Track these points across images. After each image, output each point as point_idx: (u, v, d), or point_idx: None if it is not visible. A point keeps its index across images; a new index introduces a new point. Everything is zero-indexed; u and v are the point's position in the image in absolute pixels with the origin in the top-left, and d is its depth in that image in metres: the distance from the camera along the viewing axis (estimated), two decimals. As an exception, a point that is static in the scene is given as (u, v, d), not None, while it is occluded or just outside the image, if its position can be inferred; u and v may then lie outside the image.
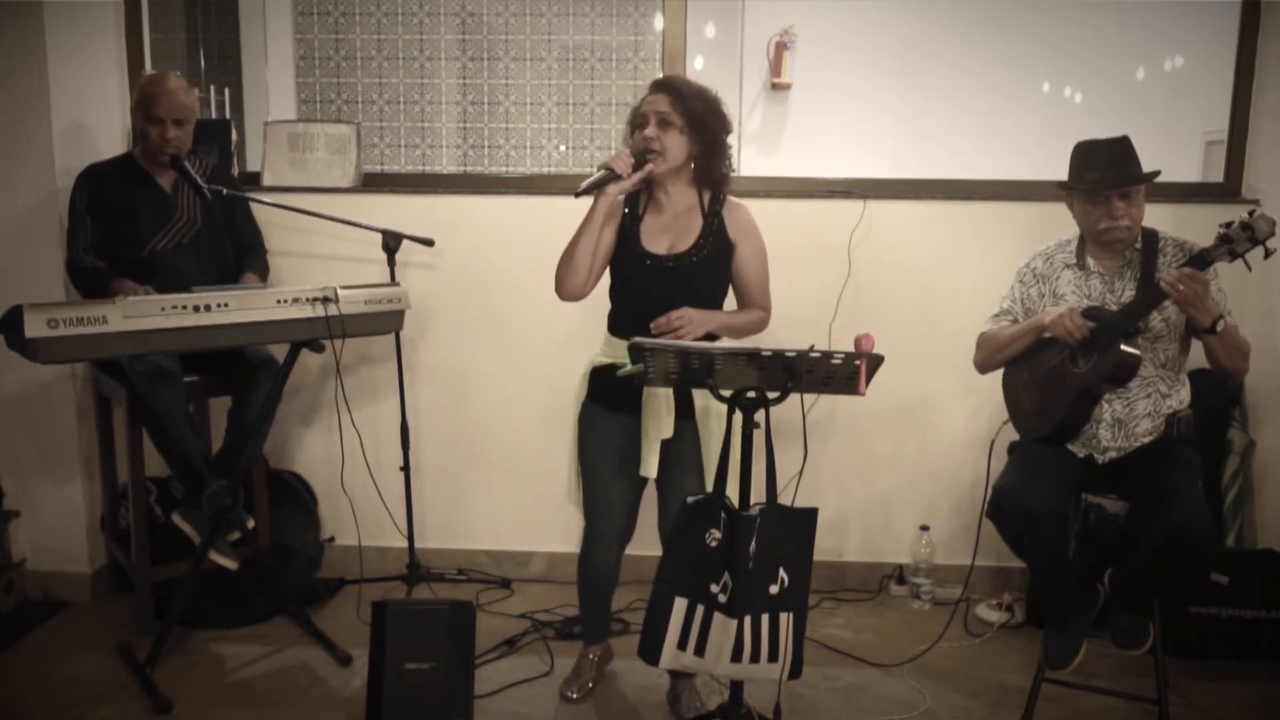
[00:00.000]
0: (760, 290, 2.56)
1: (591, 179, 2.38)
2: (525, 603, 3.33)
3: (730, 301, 2.61)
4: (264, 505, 3.27)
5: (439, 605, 2.52)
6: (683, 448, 2.49)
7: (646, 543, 2.69)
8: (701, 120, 2.43)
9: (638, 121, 2.46)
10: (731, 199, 2.55)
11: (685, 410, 2.48)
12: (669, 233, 2.49)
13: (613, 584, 2.72)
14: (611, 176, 2.38)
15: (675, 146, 2.42)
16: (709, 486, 2.39)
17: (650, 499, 2.63)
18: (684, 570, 2.21)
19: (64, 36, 3.13)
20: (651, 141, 2.40)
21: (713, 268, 2.49)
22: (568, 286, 2.48)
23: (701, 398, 2.45)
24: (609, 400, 2.52)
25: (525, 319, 3.42)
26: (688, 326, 2.38)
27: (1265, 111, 3.27)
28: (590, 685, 2.78)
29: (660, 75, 2.92)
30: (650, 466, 2.47)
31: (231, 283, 3.02)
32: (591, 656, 2.82)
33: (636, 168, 2.40)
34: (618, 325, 2.52)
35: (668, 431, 2.46)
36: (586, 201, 2.45)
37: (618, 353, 2.42)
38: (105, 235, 2.95)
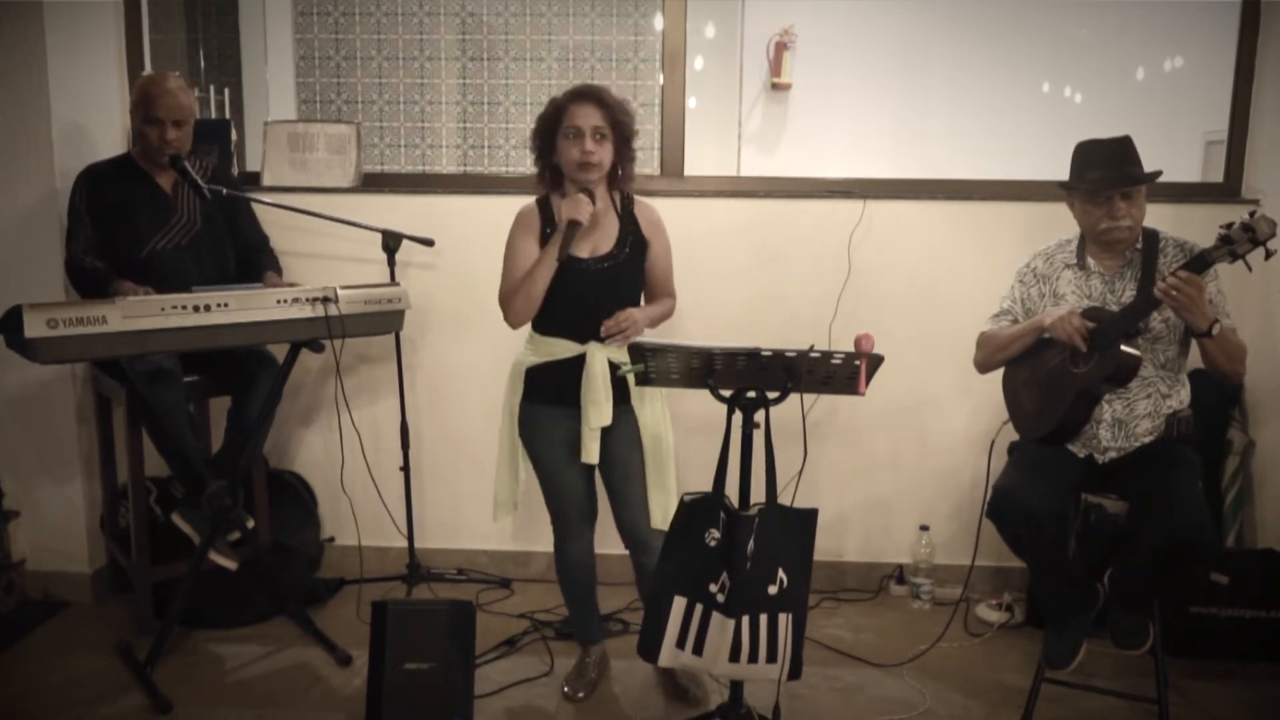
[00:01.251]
0: (670, 280, 2.70)
1: (566, 238, 2.46)
2: (525, 603, 3.34)
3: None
4: (264, 505, 3.27)
5: (439, 605, 2.52)
6: (622, 429, 2.57)
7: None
8: (625, 129, 2.54)
9: (564, 131, 2.50)
10: (639, 198, 2.68)
11: (621, 396, 2.56)
12: (589, 237, 2.56)
13: (593, 574, 2.76)
14: (578, 227, 2.47)
15: (607, 158, 2.53)
16: (648, 464, 2.58)
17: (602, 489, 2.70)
18: (683, 569, 2.22)
19: (64, 36, 3.13)
20: (590, 155, 2.48)
21: (634, 266, 2.61)
22: (522, 318, 2.56)
23: (633, 383, 2.51)
24: (547, 397, 2.58)
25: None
26: (633, 326, 2.49)
27: (1265, 111, 3.28)
28: (594, 683, 2.78)
29: (660, 78, 2.99)
30: (592, 453, 2.53)
31: (231, 283, 3.02)
32: (590, 659, 2.82)
33: (593, 204, 2.49)
34: (544, 325, 2.58)
35: (607, 419, 2.52)
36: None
37: (547, 351, 2.55)
38: (105, 236, 2.94)
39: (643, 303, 2.66)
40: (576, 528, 2.69)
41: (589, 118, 2.48)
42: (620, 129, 2.52)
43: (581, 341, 2.52)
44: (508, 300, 2.55)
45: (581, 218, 2.45)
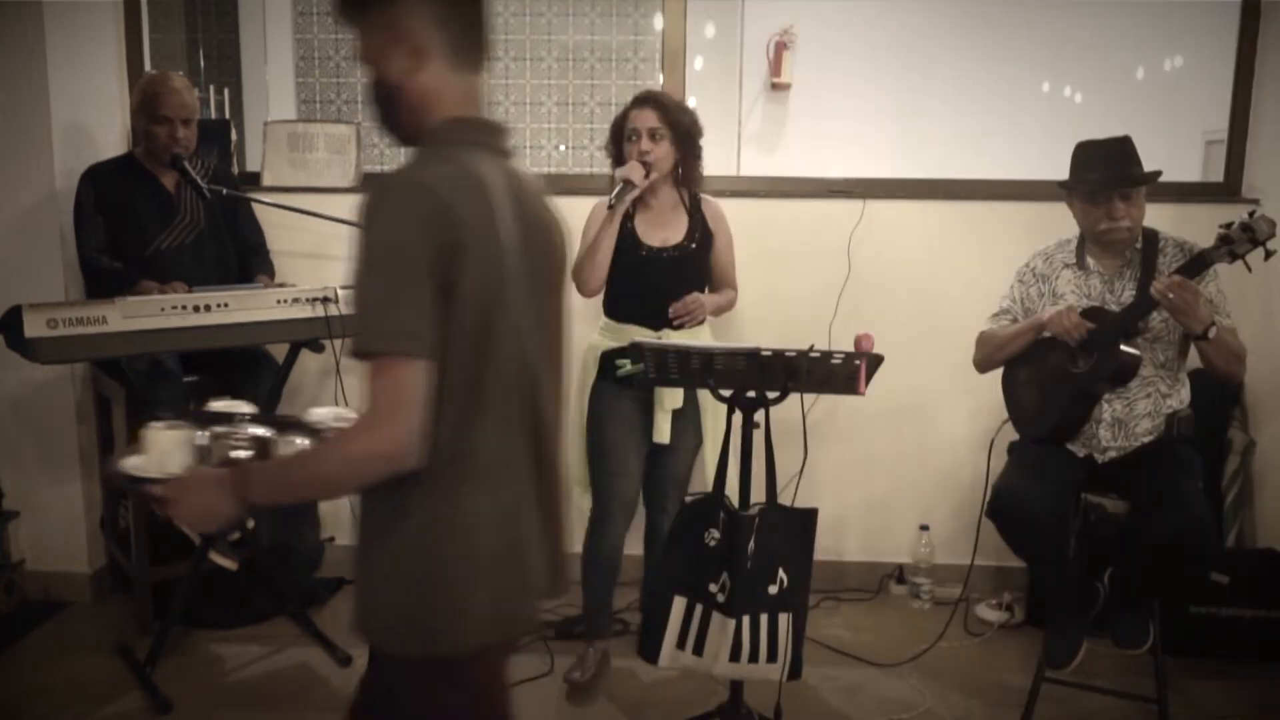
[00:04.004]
0: (732, 272, 2.92)
1: (619, 192, 2.64)
2: (525, 603, 3.33)
3: None
4: (264, 505, 3.26)
5: (439, 605, 2.52)
6: (687, 415, 2.75)
7: (636, 543, 2.77)
8: (686, 131, 2.73)
9: (627, 134, 2.73)
10: (705, 195, 2.88)
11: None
12: (660, 228, 2.78)
13: (617, 570, 2.79)
14: (631, 187, 2.64)
15: (665, 156, 2.72)
16: (706, 446, 2.77)
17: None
18: (683, 569, 2.22)
19: (64, 36, 3.13)
20: (646, 155, 2.68)
21: (702, 255, 2.81)
22: (592, 285, 2.72)
23: None
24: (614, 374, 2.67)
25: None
26: (700, 309, 2.71)
27: (1265, 111, 3.27)
28: (594, 671, 2.78)
29: (660, 78, 3.12)
30: (664, 432, 2.71)
31: (233, 283, 3.02)
32: (591, 651, 2.82)
33: (645, 176, 2.67)
34: (619, 311, 2.77)
35: (678, 402, 2.70)
36: (586, 205, 2.75)
37: (622, 336, 2.68)
38: (109, 235, 2.95)
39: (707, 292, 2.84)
40: (616, 515, 2.75)
41: (646, 120, 2.69)
42: (678, 128, 2.71)
43: (655, 328, 2.69)
44: (577, 271, 2.69)
45: (633, 177, 2.62)
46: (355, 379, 3.47)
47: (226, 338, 2.69)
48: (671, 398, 2.70)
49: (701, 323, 2.78)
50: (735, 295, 2.92)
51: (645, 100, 2.74)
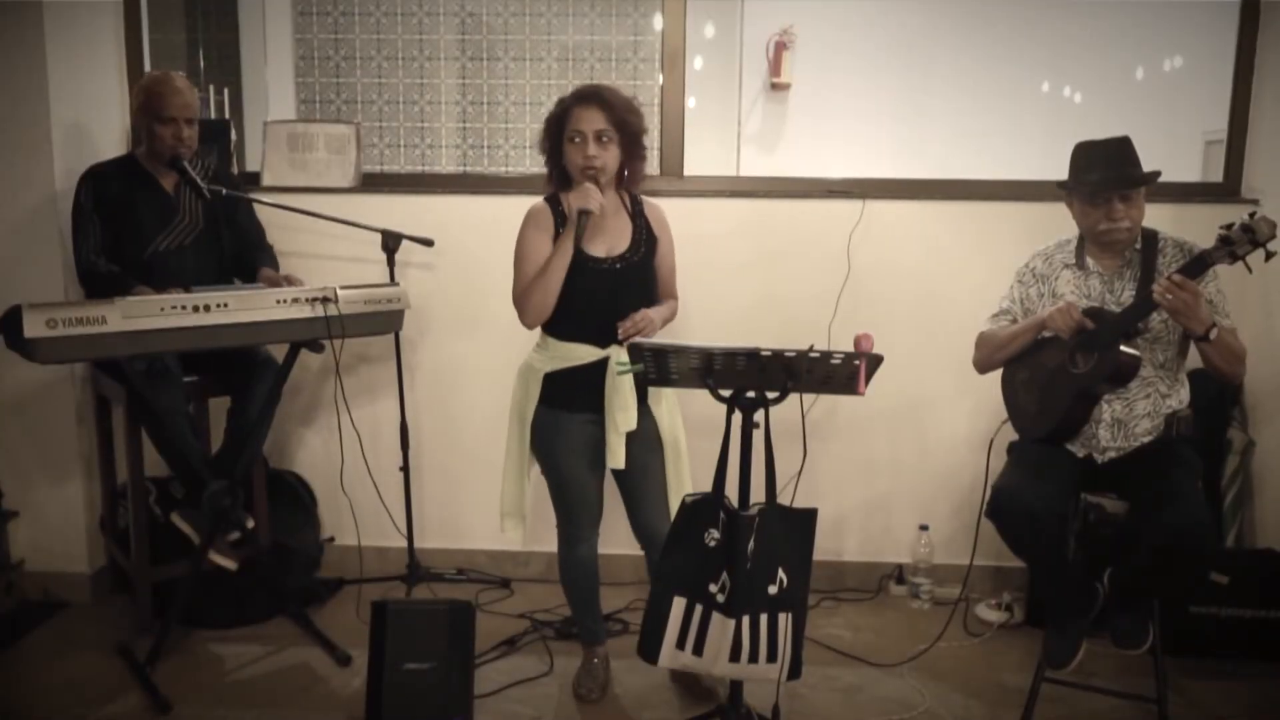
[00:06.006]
0: (672, 281, 2.72)
1: (579, 228, 2.45)
2: (525, 603, 3.33)
3: None
4: (263, 505, 3.27)
5: (438, 605, 2.52)
6: (641, 432, 2.54)
7: (633, 542, 2.74)
8: (632, 131, 2.51)
9: (569, 134, 2.49)
10: (647, 199, 2.67)
11: (639, 398, 2.53)
12: (604, 237, 2.54)
13: (597, 575, 2.75)
14: (588, 215, 2.45)
15: (611, 160, 2.51)
16: (668, 465, 2.60)
17: (611, 489, 2.68)
18: (682, 569, 2.22)
19: (64, 37, 3.13)
20: (593, 161, 2.46)
21: (648, 265, 2.60)
22: (541, 315, 2.50)
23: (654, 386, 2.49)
24: (567, 402, 2.54)
25: (525, 319, 3.42)
26: (650, 326, 2.48)
27: (1265, 111, 3.27)
28: (605, 684, 2.77)
29: (660, 78, 2.99)
30: (619, 458, 2.51)
31: (231, 283, 3.02)
32: (597, 659, 2.81)
33: (600, 191, 2.48)
34: (561, 329, 2.53)
35: (634, 423, 2.50)
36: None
37: (565, 356, 2.51)
38: (109, 236, 2.95)
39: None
40: (586, 531, 2.67)
41: (592, 121, 2.45)
42: (626, 129, 2.49)
43: (603, 345, 2.49)
44: (523, 299, 2.50)
45: (591, 206, 2.43)
46: (355, 379, 3.47)
47: (226, 338, 2.69)
48: (624, 418, 2.48)
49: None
50: (677, 305, 2.71)
51: (590, 97, 2.47)
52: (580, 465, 2.58)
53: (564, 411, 2.55)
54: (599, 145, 2.47)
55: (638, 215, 2.61)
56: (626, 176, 2.59)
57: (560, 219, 2.54)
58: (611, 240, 2.55)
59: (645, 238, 2.59)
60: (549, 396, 2.56)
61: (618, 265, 2.53)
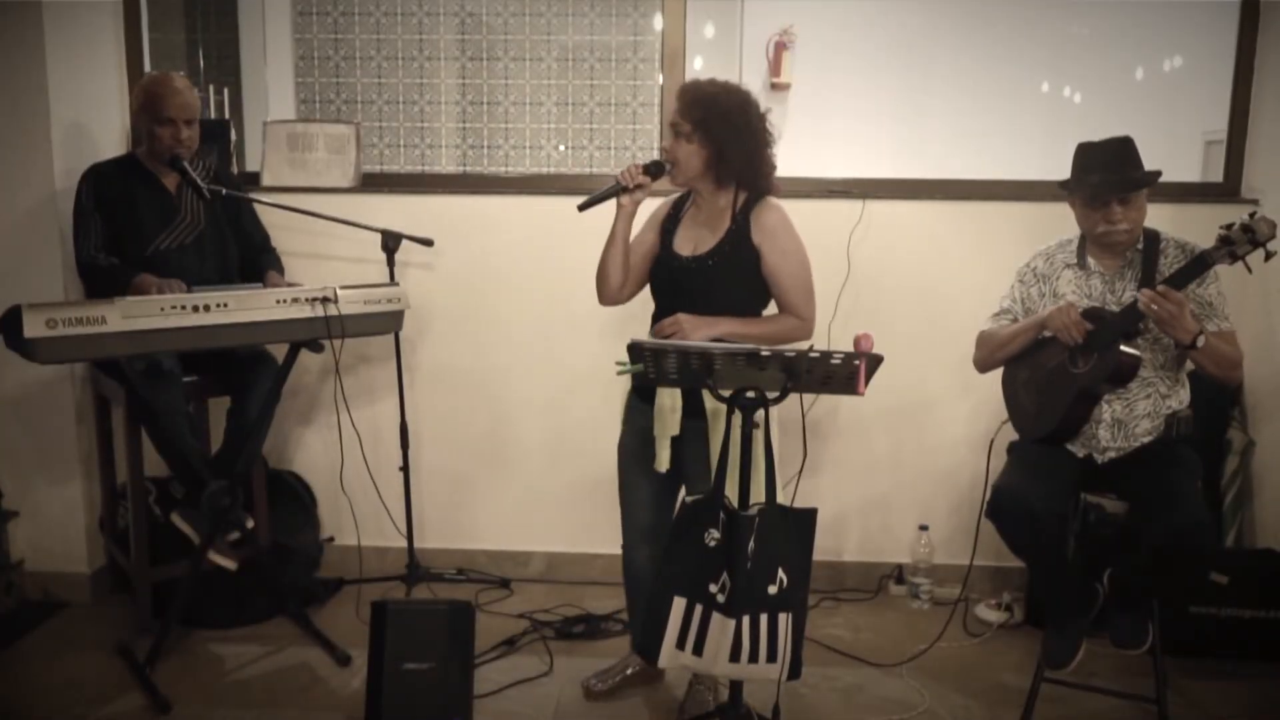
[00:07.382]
0: (794, 294, 2.51)
1: (594, 193, 2.46)
2: (525, 603, 3.33)
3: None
4: (263, 505, 3.26)
5: (438, 605, 2.52)
6: (689, 448, 2.49)
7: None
8: (707, 125, 2.41)
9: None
10: (769, 200, 2.52)
11: (696, 410, 2.46)
12: (698, 235, 2.53)
13: (639, 588, 2.68)
14: (617, 189, 2.44)
15: (686, 155, 2.44)
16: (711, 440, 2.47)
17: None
18: (683, 569, 2.22)
19: (64, 36, 3.13)
20: (664, 154, 2.47)
21: (730, 268, 2.48)
22: (602, 294, 2.59)
23: (711, 399, 2.43)
24: (644, 392, 2.56)
25: (524, 319, 3.42)
26: (679, 333, 2.41)
27: (1265, 111, 3.28)
28: (615, 683, 2.76)
29: (660, 78, 2.99)
30: (662, 460, 2.49)
31: (232, 283, 3.02)
32: (630, 670, 2.78)
33: (655, 176, 2.45)
34: (653, 322, 2.58)
35: (674, 429, 2.47)
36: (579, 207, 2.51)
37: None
38: (110, 235, 2.95)
39: (765, 311, 2.56)
40: (637, 541, 2.66)
41: (670, 114, 2.48)
42: (700, 125, 2.40)
43: None
44: (596, 276, 2.57)
45: (622, 180, 2.44)
46: (355, 379, 3.47)
47: (226, 338, 2.69)
48: (670, 423, 2.45)
49: None
50: (799, 324, 2.50)
51: (678, 90, 2.47)
52: (629, 459, 2.62)
53: (639, 401, 2.57)
54: (673, 138, 2.46)
55: (738, 216, 2.49)
56: (720, 174, 2.47)
57: (673, 217, 2.59)
58: (699, 239, 2.52)
59: (734, 242, 2.47)
60: (639, 388, 2.58)
61: (692, 265, 2.50)
